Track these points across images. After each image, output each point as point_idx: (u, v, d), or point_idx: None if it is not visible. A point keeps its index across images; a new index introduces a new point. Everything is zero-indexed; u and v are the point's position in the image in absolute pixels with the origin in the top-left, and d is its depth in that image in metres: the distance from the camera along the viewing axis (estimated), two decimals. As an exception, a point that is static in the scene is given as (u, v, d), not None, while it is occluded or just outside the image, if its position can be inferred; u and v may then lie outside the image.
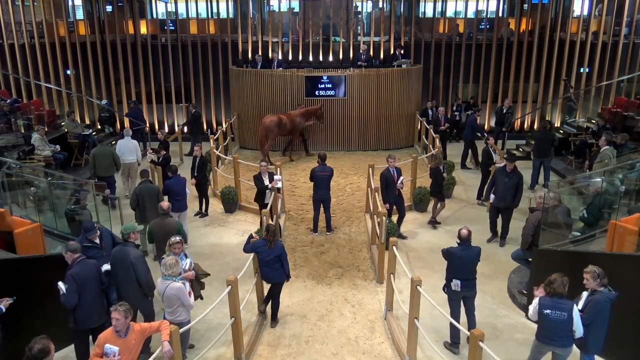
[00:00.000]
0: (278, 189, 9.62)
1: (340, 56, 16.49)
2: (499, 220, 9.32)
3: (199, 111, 15.42)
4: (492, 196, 9.17)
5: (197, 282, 6.54)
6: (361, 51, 15.86)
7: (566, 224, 7.55)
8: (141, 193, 8.46)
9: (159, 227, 7.32)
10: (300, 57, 16.57)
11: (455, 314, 6.30)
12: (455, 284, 6.20)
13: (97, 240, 6.44)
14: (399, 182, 9.46)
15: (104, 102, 16.08)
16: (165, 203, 7.67)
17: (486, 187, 9.62)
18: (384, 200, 9.37)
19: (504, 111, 14.44)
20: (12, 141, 11.47)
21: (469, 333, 5.02)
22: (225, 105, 16.89)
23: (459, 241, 6.29)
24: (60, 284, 5.52)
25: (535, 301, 5.30)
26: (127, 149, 11.43)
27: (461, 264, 6.21)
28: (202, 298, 6.68)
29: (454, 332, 6.36)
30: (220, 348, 6.43)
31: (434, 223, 10.14)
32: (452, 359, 6.25)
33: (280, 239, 8.53)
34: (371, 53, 16.43)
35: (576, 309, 5.16)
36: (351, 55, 16.50)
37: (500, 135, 14.59)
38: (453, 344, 6.40)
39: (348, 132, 15.10)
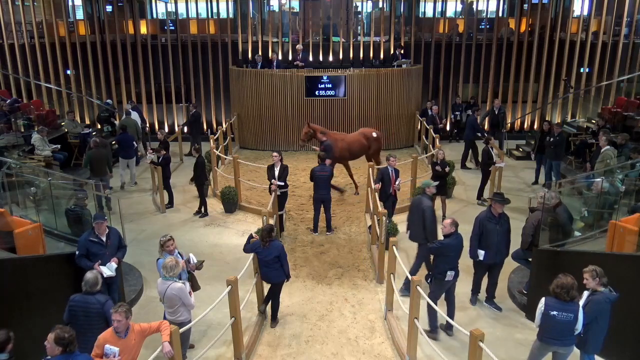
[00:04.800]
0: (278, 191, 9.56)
1: (341, 56, 16.48)
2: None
3: (199, 111, 15.42)
4: (480, 252, 7.06)
5: (191, 275, 6.53)
6: (296, 50, 15.69)
7: (566, 224, 7.54)
8: (93, 157, 10.86)
9: (96, 155, 10.73)
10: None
11: (436, 302, 6.47)
12: (450, 275, 6.39)
13: (104, 238, 6.50)
14: (396, 183, 9.46)
15: (107, 101, 16.11)
16: (95, 139, 11.03)
17: (470, 242, 7.11)
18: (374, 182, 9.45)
19: (496, 112, 14.38)
20: (12, 141, 11.46)
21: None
22: (225, 105, 16.88)
23: (447, 234, 6.43)
24: None
25: (542, 301, 5.28)
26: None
27: (455, 254, 6.45)
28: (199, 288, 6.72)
29: (433, 318, 6.58)
30: (220, 348, 6.43)
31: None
32: (452, 359, 6.25)
33: (280, 239, 8.53)
34: (310, 53, 16.20)
35: (581, 309, 5.17)
36: (351, 55, 16.52)
37: (496, 135, 14.49)
38: (432, 331, 6.58)
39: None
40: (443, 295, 6.70)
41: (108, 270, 6.41)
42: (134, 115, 14.20)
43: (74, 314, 5.29)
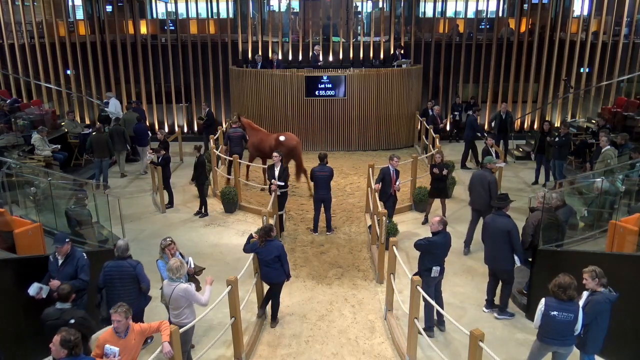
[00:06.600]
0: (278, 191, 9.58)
1: (341, 56, 16.49)
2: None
3: (212, 111, 15.46)
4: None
5: (193, 279, 6.53)
6: (315, 50, 15.71)
7: (571, 225, 7.55)
8: (94, 140, 11.96)
9: (96, 139, 11.92)
10: (300, 57, 16.55)
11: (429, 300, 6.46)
12: (436, 271, 6.49)
13: (61, 260, 6.02)
14: (396, 184, 9.46)
15: (105, 101, 16.10)
16: (98, 124, 12.71)
17: (519, 254, 7.04)
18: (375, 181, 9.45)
19: (504, 117, 13.96)
20: (12, 141, 11.46)
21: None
22: (225, 105, 16.89)
23: (435, 231, 6.49)
24: None
25: (542, 302, 5.27)
26: (116, 108, 14.94)
27: (443, 251, 6.55)
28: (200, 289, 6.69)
29: (429, 316, 6.63)
30: (220, 348, 6.43)
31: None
32: (452, 359, 6.25)
33: (280, 239, 8.53)
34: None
35: (581, 310, 5.16)
36: (351, 55, 16.51)
37: (504, 140, 14.30)
38: (428, 328, 6.61)
39: (348, 132, 15.10)
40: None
41: (35, 289, 5.72)
42: (115, 102, 15.11)
43: (110, 279, 5.86)
